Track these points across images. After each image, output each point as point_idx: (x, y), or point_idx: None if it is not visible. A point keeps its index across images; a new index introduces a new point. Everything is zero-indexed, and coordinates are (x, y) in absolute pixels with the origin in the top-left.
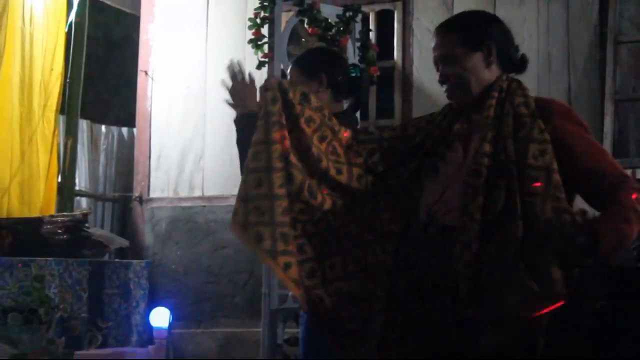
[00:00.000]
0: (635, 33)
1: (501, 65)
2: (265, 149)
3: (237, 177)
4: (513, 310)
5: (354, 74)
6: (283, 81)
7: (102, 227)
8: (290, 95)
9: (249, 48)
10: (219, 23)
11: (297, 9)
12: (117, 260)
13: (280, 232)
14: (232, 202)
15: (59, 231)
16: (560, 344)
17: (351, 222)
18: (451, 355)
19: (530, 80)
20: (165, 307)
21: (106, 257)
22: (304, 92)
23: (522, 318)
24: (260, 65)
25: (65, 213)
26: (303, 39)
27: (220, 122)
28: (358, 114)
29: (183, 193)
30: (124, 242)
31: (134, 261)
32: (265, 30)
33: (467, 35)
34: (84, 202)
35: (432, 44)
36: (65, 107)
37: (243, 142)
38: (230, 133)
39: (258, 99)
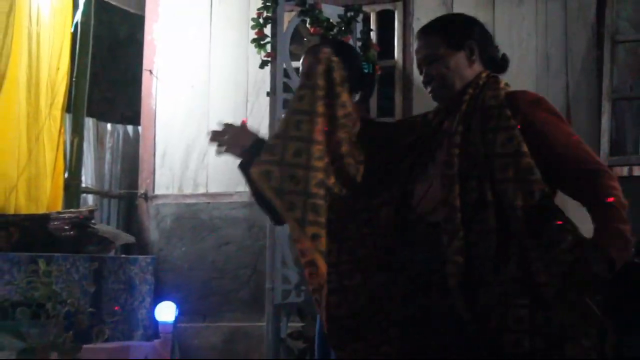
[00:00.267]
0: (632, 32)
1: (483, 64)
2: (309, 120)
3: (240, 174)
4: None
5: (366, 70)
6: (334, 58)
7: (108, 223)
8: (335, 74)
9: (252, 47)
10: (223, 23)
11: (299, 9)
12: (123, 256)
13: (312, 203)
14: (236, 199)
15: (66, 227)
16: None
17: (350, 214)
18: (447, 351)
19: (529, 79)
20: (171, 302)
21: (112, 253)
22: (344, 76)
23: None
24: (263, 65)
25: (71, 210)
26: (305, 39)
27: (223, 119)
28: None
29: (187, 190)
30: (129, 239)
31: (140, 257)
32: (268, 30)
33: (449, 35)
34: (90, 199)
35: (415, 47)
36: (72, 106)
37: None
38: None
39: (301, 66)
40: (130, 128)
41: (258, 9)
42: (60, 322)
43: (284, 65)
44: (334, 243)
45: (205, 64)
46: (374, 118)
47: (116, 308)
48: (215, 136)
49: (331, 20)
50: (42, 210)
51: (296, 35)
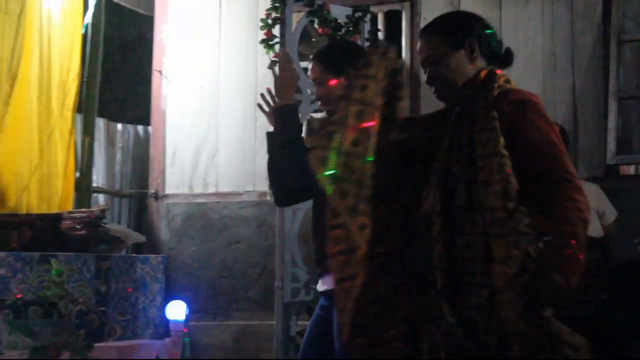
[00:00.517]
0: (638, 32)
1: (487, 59)
2: (371, 111)
3: (250, 174)
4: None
5: None
6: (399, 63)
7: (119, 222)
8: (399, 77)
9: (261, 48)
10: (231, 23)
11: (307, 9)
12: (134, 255)
13: (364, 194)
14: (246, 198)
15: (77, 227)
16: None
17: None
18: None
19: (536, 79)
20: (181, 300)
21: (123, 252)
22: (402, 83)
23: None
24: (271, 65)
25: (83, 209)
26: (313, 39)
27: (233, 119)
28: None
29: (197, 189)
30: (140, 238)
31: (151, 256)
32: (276, 31)
33: (449, 35)
34: (101, 198)
35: (417, 48)
36: (83, 106)
37: (276, 136)
38: (243, 130)
39: (311, 72)
40: (140, 128)
41: (267, 10)
42: (72, 321)
43: (293, 65)
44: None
45: (215, 64)
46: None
47: (129, 290)
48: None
49: (339, 21)
50: (53, 209)
51: (304, 36)
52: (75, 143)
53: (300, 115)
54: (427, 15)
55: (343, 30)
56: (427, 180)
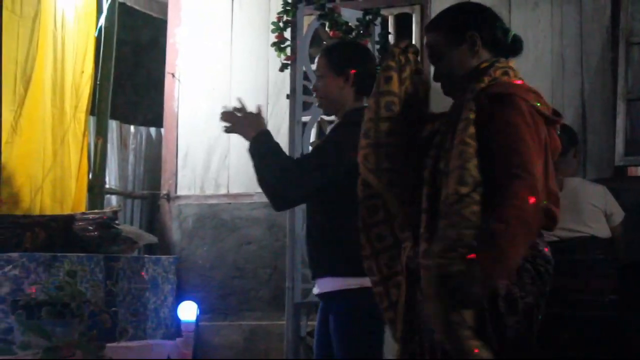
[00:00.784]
0: None
1: (491, 51)
2: (399, 102)
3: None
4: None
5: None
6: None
7: (131, 223)
8: (424, 78)
9: (272, 51)
10: (243, 27)
11: (318, 13)
12: (146, 255)
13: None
14: (257, 199)
15: (90, 228)
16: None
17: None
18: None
19: (545, 81)
20: (193, 301)
21: (135, 253)
22: (429, 86)
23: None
24: (283, 68)
25: (96, 210)
26: (324, 42)
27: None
28: None
29: (209, 191)
30: (152, 239)
31: (163, 257)
32: (287, 34)
33: (449, 31)
34: (113, 199)
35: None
36: (96, 109)
37: (260, 156)
38: None
39: (317, 65)
40: (153, 130)
41: (278, 13)
42: (84, 321)
43: (304, 68)
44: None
45: (227, 67)
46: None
47: (116, 301)
48: (227, 116)
49: (350, 24)
50: (66, 211)
51: (316, 39)
52: (89, 145)
53: (310, 117)
54: None
55: (354, 33)
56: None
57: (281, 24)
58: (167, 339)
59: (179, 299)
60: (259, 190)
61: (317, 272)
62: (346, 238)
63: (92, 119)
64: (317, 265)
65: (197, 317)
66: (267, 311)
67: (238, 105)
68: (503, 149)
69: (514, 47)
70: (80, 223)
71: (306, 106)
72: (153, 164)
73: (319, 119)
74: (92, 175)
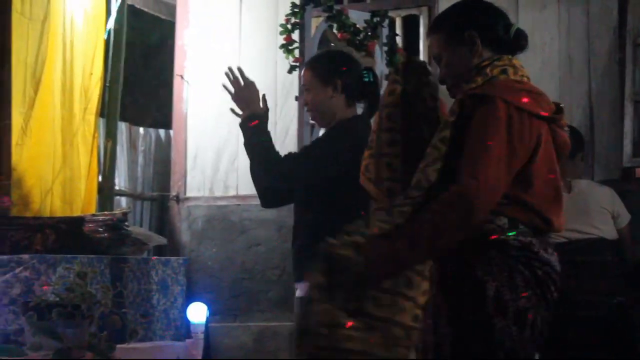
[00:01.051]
0: None
1: (493, 49)
2: (403, 113)
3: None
4: None
5: (367, 79)
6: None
7: (141, 225)
8: (427, 90)
9: (281, 53)
10: (251, 29)
11: (326, 14)
12: (155, 257)
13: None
14: None
15: (100, 229)
16: (577, 338)
17: None
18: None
19: (552, 82)
20: (202, 302)
21: (145, 254)
22: (437, 102)
23: None
24: (291, 69)
25: (105, 212)
26: (332, 44)
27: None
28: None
29: (218, 192)
30: (162, 240)
31: (172, 258)
32: (296, 36)
33: (447, 33)
34: (123, 201)
35: None
36: (105, 110)
37: (252, 145)
38: None
39: (302, 79)
40: (162, 132)
41: (286, 15)
42: (94, 323)
43: None
44: None
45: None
46: None
47: (126, 302)
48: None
49: (358, 26)
50: (76, 212)
51: (323, 41)
52: (98, 147)
53: None
54: None
55: (361, 35)
56: None
57: (289, 26)
58: (176, 340)
59: (188, 300)
60: None
61: (301, 275)
62: None
63: (101, 121)
64: (303, 268)
65: (207, 318)
66: (276, 312)
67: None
68: (465, 151)
69: (518, 42)
70: (90, 225)
71: None
72: (162, 165)
73: None
74: (102, 177)
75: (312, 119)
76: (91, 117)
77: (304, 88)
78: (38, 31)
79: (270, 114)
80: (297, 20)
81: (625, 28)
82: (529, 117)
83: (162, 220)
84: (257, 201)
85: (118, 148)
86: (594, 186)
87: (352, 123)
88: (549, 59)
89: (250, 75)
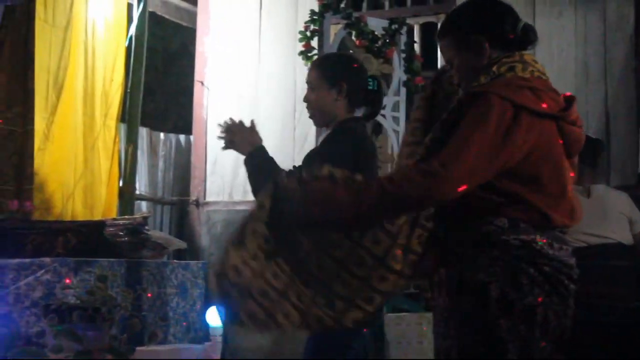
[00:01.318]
0: None
1: (502, 48)
2: (426, 126)
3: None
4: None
5: (371, 87)
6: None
7: (161, 229)
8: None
9: (299, 59)
10: (271, 36)
11: (345, 22)
12: (175, 261)
13: None
14: None
15: (121, 233)
16: (593, 343)
17: None
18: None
19: (568, 89)
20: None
21: (165, 258)
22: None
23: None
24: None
25: (126, 216)
26: (351, 51)
27: (272, 129)
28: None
29: (237, 197)
30: (181, 244)
31: (191, 262)
32: (314, 43)
33: (455, 38)
34: (144, 205)
35: None
36: (126, 116)
37: (255, 175)
38: (282, 139)
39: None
40: (182, 137)
41: (305, 22)
42: (115, 325)
43: None
44: None
45: (254, 74)
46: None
47: (149, 295)
48: (224, 133)
49: (376, 33)
50: (97, 216)
51: (342, 48)
52: (119, 152)
53: None
54: None
55: (380, 42)
56: None
57: (308, 33)
58: (195, 343)
59: (207, 303)
60: None
61: None
62: None
63: (122, 127)
64: None
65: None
66: None
67: (230, 122)
68: (449, 141)
69: (527, 37)
70: (111, 229)
71: None
72: (182, 170)
73: None
74: (123, 182)
75: (310, 117)
76: (112, 122)
77: (308, 85)
78: (60, 38)
79: (289, 120)
80: (316, 28)
81: None
82: (529, 114)
83: (182, 225)
84: None
85: (139, 153)
86: (611, 191)
87: (351, 124)
88: (565, 66)
89: (269, 81)
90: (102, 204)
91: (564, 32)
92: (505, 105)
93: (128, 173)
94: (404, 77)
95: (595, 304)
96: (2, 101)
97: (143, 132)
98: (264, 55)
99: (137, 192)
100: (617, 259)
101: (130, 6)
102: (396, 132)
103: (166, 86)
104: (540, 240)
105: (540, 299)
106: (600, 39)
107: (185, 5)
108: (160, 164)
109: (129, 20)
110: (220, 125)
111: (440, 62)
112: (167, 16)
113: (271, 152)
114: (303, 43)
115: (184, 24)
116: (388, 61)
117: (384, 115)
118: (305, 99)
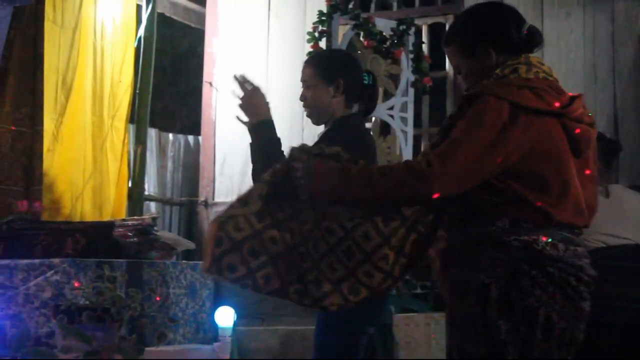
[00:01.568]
0: None
1: (507, 52)
2: None
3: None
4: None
5: (366, 82)
6: None
7: (169, 230)
8: None
9: None
10: (279, 36)
11: (353, 22)
12: (184, 261)
13: None
14: None
15: (130, 234)
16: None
17: None
18: None
19: (577, 90)
20: (230, 306)
21: (174, 259)
22: None
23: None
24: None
25: (135, 217)
26: (359, 51)
27: (280, 129)
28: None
29: None
30: (190, 245)
31: (200, 262)
32: (323, 44)
33: (460, 46)
34: (152, 206)
35: None
36: (135, 117)
37: (258, 150)
38: (290, 140)
39: (302, 74)
40: (191, 138)
41: (313, 23)
42: (124, 326)
43: None
44: None
45: (263, 75)
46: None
47: (157, 298)
48: (241, 86)
49: (384, 34)
50: (106, 217)
51: (350, 48)
52: (128, 152)
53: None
54: None
55: (388, 43)
56: None
57: (316, 34)
58: (204, 343)
59: (216, 304)
60: None
61: None
62: None
63: (131, 127)
64: None
65: (234, 321)
66: (303, 316)
67: (247, 83)
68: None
69: (533, 39)
70: (120, 229)
71: None
72: (191, 171)
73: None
74: (132, 183)
75: (307, 116)
76: (121, 123)
77: (303, 84)
78: (69, 39)
79: (297, 120)
80: (325, 29)
81: None
82: (527, 113)
83: (191, 225)
84: None
85: (147, 154)
86: (627, 191)
87: (348, 120)
88: (574, 67)
89: (277, 81)
90: (111, 205)
91: (572, 33)
92: (501, 105)
93: (137, 174)
94: (412, 78)
95: (614, 305)
96: (11, 102)
97: (152, 132)
98: (272, 56)
99: (146, 192)
100: (635, 260)
101: (139, 7)
102: (404, 132)
103: (175, 87)
104: (543, 241)
105: (542, 301)
106: (608, 39)
107: (193, 6)
108: (169, 164)
109: (138, 21)
110: (237, 78)
111: (448, 63)
112: (175, 17)
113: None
114: (311, 44)
115: (193, 25)
116: (396, 62)
117: (392, 116)
118: (302, 98)
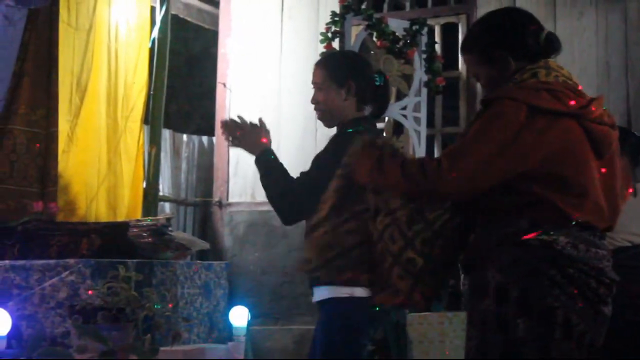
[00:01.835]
0: None
1: (526, 58)
2: None
3: None
4: None
5: (378, 83)
6: None
7: (184, 230)
8: None
9: None
10: (293, 37)
11: (366, 23)
12: (198, 261)
13: None
14: None
15: (144, 234)
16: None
17: None
18: None
19: (590, 89)
20: (244, 305)
21: (188, 259)
22: None
23: None
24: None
25: (149, 217)
26: (372, 52)
27: (293, 130)
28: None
29: (260, 198)
30: (204, 245)
31: (214, 262)
32: (336, 44)
33: (478, 54)
34: (167, 207)
35: None
36: (149, 118)
37: (263, 177)
38: (303, 140)
39: (313, 76)
40: (205, 139)
41: (326, 24)
42: (139, 326)
43: None
44: None
45: (276, 76)
46: None
47: (170, 306)
48: (230, 130)
49: (397, 34)
50: (121, 218)
51: (363, 49)
52: (143, 154)
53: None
54: None
55: (401, 43)
56: None
57: (329, 35)
58: (219, 343)
59: (230, 304)
60: None
61: (313, 280)
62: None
63: (145, 129)
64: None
65: (249, 321)
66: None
67: (238, 120)
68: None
69: (551, 46)
70: (134, 230)
71: None
72: (205, 172)
73: (391, 119)
74: (146, 183)
75: (319, 118)
76: (135, 124)
77: (315, 86)
78: (84, 41)
79: (311, 121)
80: (338, 29)
81: None
82: (544, 115)
83: (205, 226)
84: None
85: (162, 155)
86: None
87: (357, 123)
88: (587, 66)
89: (291, 82)
90: (126, 206)
91: (585, 32)
92: (517, 107)
93: (151, 175)
94: (425, 78)
95: (637, 304)
96: (26, 104)
97: (166, 134)
98: (285, 57)
99: (161, 193)
100: None
101: (153, 9)
102: (417, 132)
103: (189, 88)
104: (562, 241)
105: (561, 301)
106: (621, 38)
107: (207, 7)
108: (184, 165)
109: (152, 23)
110: (225, 122)
111: (461, 62)
112: (189, 19)
113: (293, 154)
114: (324, 44)
115: (206, 26)
116: (409, 62)
117: (405, 116)
118: (314, 100)
